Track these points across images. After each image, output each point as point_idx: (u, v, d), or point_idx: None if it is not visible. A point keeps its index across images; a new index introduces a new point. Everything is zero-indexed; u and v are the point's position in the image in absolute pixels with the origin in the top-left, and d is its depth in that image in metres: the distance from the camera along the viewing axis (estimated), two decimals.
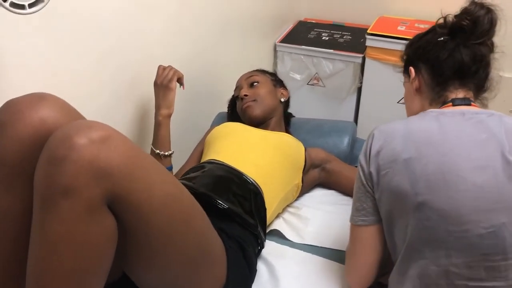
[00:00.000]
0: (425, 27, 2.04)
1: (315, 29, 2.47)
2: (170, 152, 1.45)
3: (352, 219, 1.08)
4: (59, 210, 0.73)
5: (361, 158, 1.04)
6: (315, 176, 1.53)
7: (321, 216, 1.42)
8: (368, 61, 2.22)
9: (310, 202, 1.49)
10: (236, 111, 1.72)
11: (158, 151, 1.43)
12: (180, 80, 1.45)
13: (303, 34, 2.43)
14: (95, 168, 0.73)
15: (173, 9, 1.57)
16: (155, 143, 1.45)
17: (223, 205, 1.14)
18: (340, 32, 2.41)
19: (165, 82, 1.40)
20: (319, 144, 1.64)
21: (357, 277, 1.12)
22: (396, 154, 0.96)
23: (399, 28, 2.22)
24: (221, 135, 1.46)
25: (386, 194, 0.98)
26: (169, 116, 1.44)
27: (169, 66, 1.44)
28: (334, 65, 2.28)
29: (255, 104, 1.55)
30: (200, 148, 1.57)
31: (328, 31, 2.44)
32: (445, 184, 0.90)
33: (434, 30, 1.10)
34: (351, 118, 2.40)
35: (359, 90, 2.32)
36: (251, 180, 1.27)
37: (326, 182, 1.55)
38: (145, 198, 0.79)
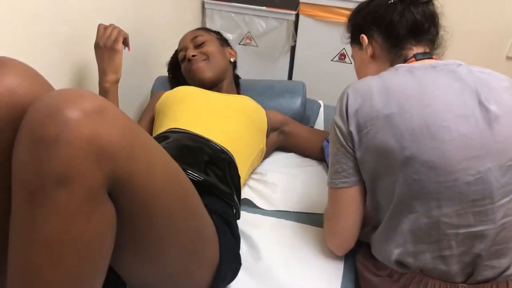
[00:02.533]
0: None
1: None
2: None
3: (331, 182, 1.04)
4: (54, 203, 0.58)
5: (337, 118, 1.01)
6: (275, 140, 1.46)
7: (287, 180, 1.38)
8: (302, 18, 2.16)
9: (273, 167, 1.44)
10: (178, 76, 1.58)
11: None
12: (125, 41, 1.27)
13: None
14: (96, 147, 0.58)
15: None
16: None
17: (198, 177, 1.03)
18: None
19: (110, 44, 1.22)
20: (273, 106, 1.57)
21: (339, 241, 1.10)
22: (377, 111, 0.94)
23: None
24: (175, 100, 1.33)
25: (370, 152, 0.96)
26: (117, 82, 1.26)
27: (111, 25, 1.25)
28: (267, 23, 2.20)
29: (206, 64, 1.43)
30: (149, 115, 1.42)
31: None
32: (430, 136, 0.90)
33: None
34: (285, 77, 2.35)
35: (293, 49, 2.27)
36: (222, 147, 1.17)
37: (285, 145, 1.50)
38: (147, 180, 0.67)
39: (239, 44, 2.26)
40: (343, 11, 2.08)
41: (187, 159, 1.07)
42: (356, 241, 1.16)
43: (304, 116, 1.62)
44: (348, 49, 2.19)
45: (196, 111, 1.27)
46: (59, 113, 0.57)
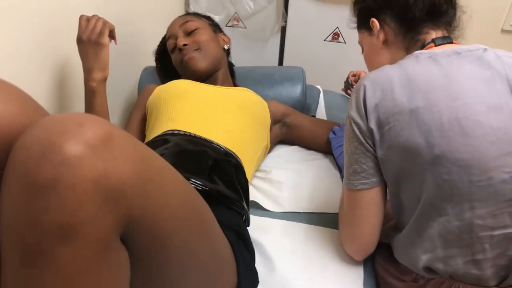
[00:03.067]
0: None
1: None
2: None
3: (349, 184, 0.95)
4: (57, 263, 0.47)
5: (354, 114, 0.91)
6: (277, 133, 1.36)
7: (293, 177, 1.28)
8: None
9: (277, 163, 1.34)
10: (167, 65, 1.46)
11: None
12: (111, 33, 1.14)
13: None
14: (104, 188, 0.47)
15: None
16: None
17: (204, 187, 0.93)
18: None
19: (94, 38, 1.08)
20: (272, 95, 1.47)
21: (359, 246, 1.02)
22: (401, 105, 0.86)
23: None
24: (170, 96, 1.20)
25: (394, 150, 0.87)
26: (105, 80, 1.13)
27: (94, 15, 1.11)
28: (255, 2, 2.06)
29: (199, 54, 1.30)
30: (139, 113, 1.30)
31: None
32: (461, 131, 0.82)
33: None
34: (275, 60, 2.23)
35: (283, 30, 2.15)
36: (227, 149, 1.06)
37: (288, 137, 1.40)
38: (162, 214, 0.56)
39: (226, 26, 2.13)
40: None
41: (190, 166, 0.97)
42: None
43: (305, 105, 1.52)
44: (342, 28, 2.09)
45: (194, 109, 1.16)
46: (56, 149, 0.45)
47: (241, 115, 1.18)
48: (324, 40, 2.12)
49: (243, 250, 0.89)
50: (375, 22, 1.01)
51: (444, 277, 0.90)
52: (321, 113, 1.57)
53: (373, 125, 0.89)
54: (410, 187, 0.89)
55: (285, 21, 2.10)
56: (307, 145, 1.40)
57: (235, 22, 2.13)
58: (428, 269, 0.90)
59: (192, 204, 0.65)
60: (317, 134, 1.37)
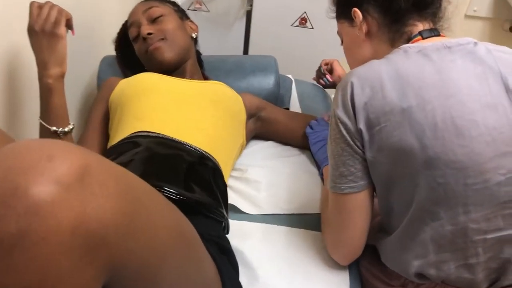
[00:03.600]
0: None
1: None
2: (70, 126, 1.03)
3: (335, 187, 0.90)
4: None
5: (340, 113, 0.85)
6: (251, 128, 1.28)
7: (270, 176, 1.21)
8: None
9: (253, 160, 1.26)
10: (128, 55, 1.34)
11: (54, 128, 1.00)
12: (68, 23, 1.00)
13: None
14: (84, 237, 0.38)
15: None
16: (46, 116, 1.00)
17: (180, 197, 0.84)
18: None
19: (49, 28, 0.95)
20: (244, 87, 1.38)
21: (346, 251, 0.96)
22: (392, 104, 0.80)
23: None
24: (136, 92, 1.09)
25: (385, 152, 0.82)
26: (62, 76, 1.00)
27: (47, 2, 0.97)
28: None
29: (165, 44, 1.20)
30: (101, 109, 1.18)
31: None
32: (456, 131, 0.78)
33: None
34: (240, 47, 2.14)
35: (249, 15, 2.05)
36: (203, 152, 0.97)
37: (263, 132, 1.32)
38: (151, 252, 0.48)
39: (188, 9, 2.01)
40: None
41: (163, 172, 0.88)
42: None
43: (279, 96, 1.44)
44: (310, 12, 2.02)
45: (164, 106, 1.06)
46: (20, 194, 0.35)
47: (215, 111, 1.09)
48: (291, 25, 2.04)
49: (227, 265, 0.82)
50: (357, 12, 0.95)
51: (435, 282, 0.87)
52: (294, 104, 1.49)
53: (362, 125, 0.83)
54: (401, 190, 0.85)
55: (251, 5, 2.01)
56: (283, 140, 1.33)
57: (197, 6, 2.02)
58: (420, 275, 0.87)
59: (179, 229, 0.57)
60: (293, 128, 1.30)
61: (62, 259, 0.37)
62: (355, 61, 1.03)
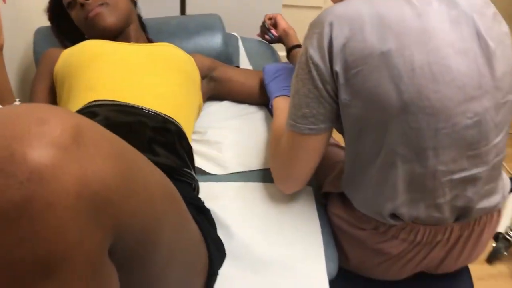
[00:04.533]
0: None
1: None
2: (17, 102, 0.96)
3: (294, 126, 0.89)
4: None
5: (314, 54, 0.82)
6: (205, 89, 1.26)
7: (231, 135, 1.20)
8: None
9: (211, 122, 1.24)
10: (64, 24, 1.26)
11: None
12: None
13: None
14: (88, 199, 0.37)
15: None
16: None
17: None
18: None
19: None
20: (191, 47, 1.34)
21: (293, 184, 0.99)
22: (371, 47, 0.78)
23: None
24: (83, 61, 1.03)
25: (360, 96, 0.81)
26: (1, 49, 0.93)
27: None
28: None
29: (105, 9, 1.13)
30: (46, 83, 1.11)
31: None
32: (432, 76, 0.78)
33: None
34: (176, 6, 2.05)
35: None
36: (165, 116, 0.95)
37: (217, 93, 1.30)
38: (150, 214, 0.47)
39: None
40: None
41: (128, 140, 0.84)
42: (324, 193, 1.07)
43: (228, 55, 1.42)
44: None
45: (116, 73, 1.01)
46: (19, 160, 0.33)
47: (170, 74, 1.06)
48: None
49: (206, 223, 0.82)
50: None
51: (406, 222, 0.90)
52: (244, 62, 1.48)
53: (338, 67, 0.81)
54: (372, 134, 0.85)
55: None
56: (238, 99, 1.31)
57: None
58: (393, 215, 0.89)
59: (170, 190, 0.56)
60: (247, 85, 1.29)
61: (70, 224, 0.35)
62: None
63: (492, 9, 0.88)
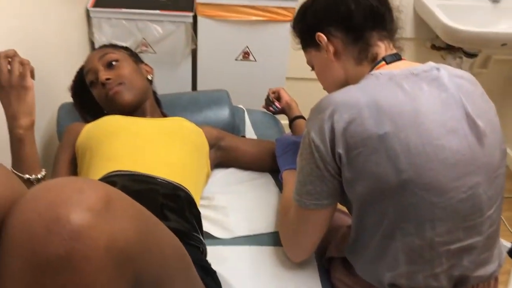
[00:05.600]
0: None
1: None
2: (43, 173, 1.06)
3: (300, 201, 0.97)
4: None
5: (315, 137, 0.90)
6: (213, 157, 1.35)
7: (237, 200, 1.28)
8: (200, 20, 2.04)
9: (218, 187, 1.33)
10: (87, 101, 1.39)
11: (27, 175, 1.04)
12: (32, 74, 1.05)
13: None
14: (115, 253, 0.45)
15: None
16: (18, 165, 1.03)
17: None
18: None
19: (16, 82, 0.98)
20: (202, 120, 1.46)
21: (300, 252, 1.07)
22: (369, 131, 0.86)
23: None
24: (104, 135, 1.14)
25: (362, 176, 0.89)
26: (32, 125, 1.04)
27: (5, 53, 1.00)
28: (163, 27, 2.03)
29: (124, 88, 1.26)
30: (68, 155, 1.21)
31: None
32: (426, 156, 0.86)
33: None
34: (188, 83, 2.22)
35: (194, 52, 2.15)
36: (175, 183, 1.04)
37: (224, 160, 1.40)
38: (163, 268, 0.54)
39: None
40: (242, 8, 2.01)
41: (145, 206, 0.93)
42: (328, 258, 1.13)
43: (235, 126, 1.54)
44: (252, 46, 2.14)
45: (133, 146, 1.11)
46: (62, 222, 0.42)
47: (180, 145, 1.17)
48: (235, 60, 2.16)
49: (213, 285, 0.88)
50: (321, 36, 1.00)
51: None
52: (250, 132, 1.59)
53: (341, 149, 0.88)
54: (375, 209, 0.91)
55: (195, 44, 2.10)
56: (243, 166, 1.41)
57: (144, 48, 2.09)
58: (392, 285, 0.94)
59: (180, 250, 0.64)
60: (251, 154, 1.39)
61: (101, 274, 0.43)
62: (329, 84, 1.08)
63: (479, 89, 0.97)
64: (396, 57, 0.99)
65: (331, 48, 1.01)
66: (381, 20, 1.00)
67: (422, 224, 0.88)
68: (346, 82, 1.00)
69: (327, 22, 1.01)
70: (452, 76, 0.94)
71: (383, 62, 0.98)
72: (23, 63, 1.01)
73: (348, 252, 1.03)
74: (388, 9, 1.02)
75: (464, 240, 0.90)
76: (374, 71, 0.96)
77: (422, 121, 0.87)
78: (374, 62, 0.99)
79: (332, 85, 1.06)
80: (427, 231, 0.88)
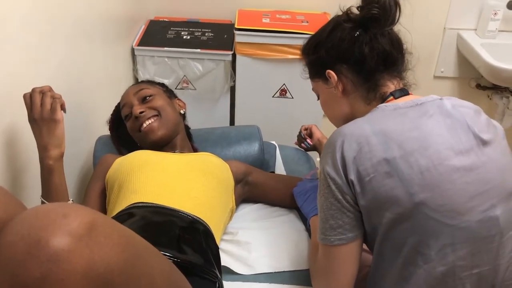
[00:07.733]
0: (286, 17, 2.04)
1: (171, 28, 2.24)
2: (69, 201, 1.11)
3: (325, 239, 0.95)
4: None
5: (329, 170, 0.92)
6: (240, 192, 1.36)
7: (261, 236, 1.27)
8: (239, 58, 2.10)
9: (243, 223, 1.33)
10: (122, 134, 1.44)
11: None
12: (63, 107, 1.10)
13: (160, 34, 2.19)
14: (93, 279, 0.46)
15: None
16: (48, 194, 1.08)
17: (175, 259, 0.90)
18: (200, 30, 2.24)
19: (47, 115, 1.04)
20: (231, 155, 1.48)
21: None
22: (378, 156, 0.88)
23: (263, 20, 2.15)
24: (132, 168, 1.18)
25: (377, 200, 0.88)
26: (62, 156, 1.09)
27: (34, 89, 1.05)
28: (204, 65, 2.11)
29: (158, 121, 1.30)
30: (99, 186, 1.26)
31: (187, 29, 2.24)
32: (440, 177, 0.86)
33: (340, 25, 1.02)
34: (226, 119, 2.27)
35: (232, 89, 2.20)
36: (195, 217, 1.05)
37: (251, 196, 1.40)
38: None
39: (176, 88, 2.15)
40: (279, 47, 2.06)
41: (158, 238, 0.94)
42: None
43: (264, 161, 1.54)
44: (289, 84, 2.17)
45: (158, 180, 1.14)
46: (42, 245, 0.43)
47: (205, 180, 1.18)
48: (273, 97, 2.19)
49: None
50: (332, 73, 1.01)
51: None
52: (279, 168, 1.59)
53: (353, 177, 0.89)
54: (393, 236, 0.90)
55: (234, 81, 2.16)
56: (270, 202, 1.41)
57: (184, 85, 2.16)
58: None
59: (175, 281, 0.64)
60: (279, 190, 1.39)
61: None
62: (335, 116, 1.10)
63: (484, 116, 0.96)
64: (404, 92, 1.01)
65: (340, 86, 1.02)
66: (393, 64, 1.01)
67: (443, 248, 0.86)
68: (352, 116, 1.01)
69: (339, 62, 1.02)
70: (456, 106, 0.95)
71: (392, 97, 0.99)
72: (54, 97, 1.06)
73: (369, 284, 1.00)
74: (400, 51, 1.03)
75: (487, 264, 0.88)
76: (380, 105, 0.98)
77: (429, 145, 0.88)
78: (382, 99, 1.00)
79: (338, 118, 1.08)
80: (448, 256, 0.86)
